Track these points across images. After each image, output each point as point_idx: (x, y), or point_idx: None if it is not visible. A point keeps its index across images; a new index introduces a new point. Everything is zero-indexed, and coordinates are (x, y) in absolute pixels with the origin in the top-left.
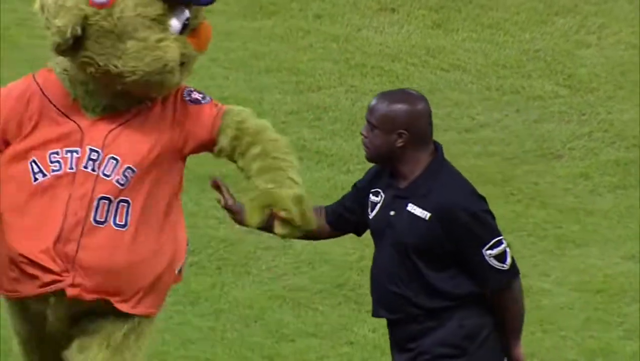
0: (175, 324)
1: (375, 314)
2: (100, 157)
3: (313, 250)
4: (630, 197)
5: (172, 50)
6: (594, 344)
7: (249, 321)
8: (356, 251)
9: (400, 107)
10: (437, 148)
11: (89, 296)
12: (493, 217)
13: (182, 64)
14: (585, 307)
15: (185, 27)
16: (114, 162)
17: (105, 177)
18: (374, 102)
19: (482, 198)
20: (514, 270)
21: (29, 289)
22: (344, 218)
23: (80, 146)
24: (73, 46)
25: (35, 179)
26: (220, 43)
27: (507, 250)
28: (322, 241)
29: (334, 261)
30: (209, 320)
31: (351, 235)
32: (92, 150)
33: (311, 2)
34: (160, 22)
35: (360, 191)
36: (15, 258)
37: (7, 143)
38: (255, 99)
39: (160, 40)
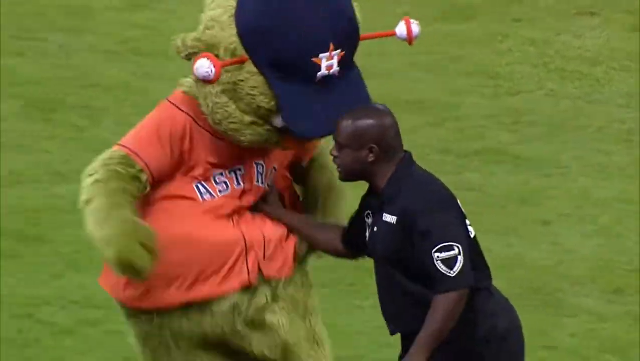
0: (372, 327)
1: (390, 333)
2: (264, 169)
3: (510, 254)
4: None
5: (253, 136)
6: None
7: None
8: (553, 256)
9: (366, 122)
10: (405, 154)
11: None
12: (453, 223)
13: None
14: None
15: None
16: (274, 170)
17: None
18: (339, 121)
19: (447, 202)
20: (459, 280)
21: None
22: (354, 235)
23: (243, 163)
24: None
25: (203, 199)
26: (418, 46)
27: (459, 257)
28: (518, 245)
29: (530, 265)
30: None
31: None
32: (257, 164)
33: (510, 6)
34: (266, 111)
35: (359, 212)
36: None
37: (159, 180)
38: (453, 102)
39: (252, 123)
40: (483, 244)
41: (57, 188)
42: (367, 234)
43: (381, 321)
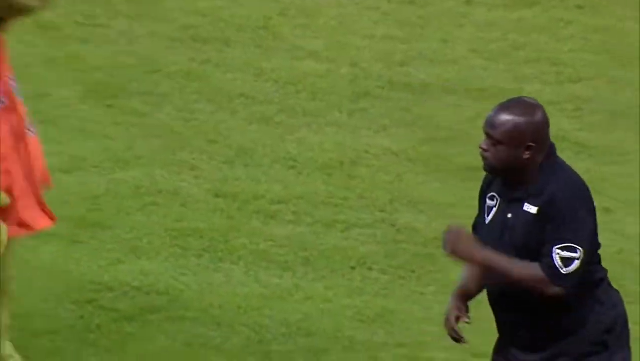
0: (434, 314)
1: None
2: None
3: None
4: None
5: None
6: None
7: None
8: (615, 243)
9: (525, 120)
10: (550, 147)
11: None
12: (589, 226)
13: None
14: None
15: None
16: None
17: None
18: (494, 115)
19: (589, 198)
20: (565, 279)
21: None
22: None
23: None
24: None
25: None
26: (480, 33)
27: (577, 262)
28: None
29: None
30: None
31: None
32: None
33: None
34: None
35: (480, 197)
36: None
37: None
38: (515, 89)
39: None
40: None
41: (118, 174)
42: (487, 216)
43: (443, 308)
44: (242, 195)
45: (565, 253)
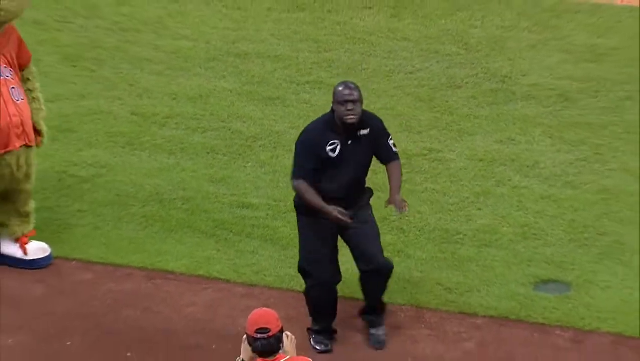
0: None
1: (351, 215)
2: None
3: None
4: None
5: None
6: None
7: None
8: None
9: (355, 83)
10: None
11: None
12: None
13: None
14: None
15: None
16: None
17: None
18: (350, 89)
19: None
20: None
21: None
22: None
23: None
24: None
25: None
26: None
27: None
28: None
29: None
30: None
31: None
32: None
33: None
34: None
35: (314, 149)
36: None
37: None
38: None
39: None
40: None
41: None
42: (335, 154)
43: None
44: None
45: (392, 141)
